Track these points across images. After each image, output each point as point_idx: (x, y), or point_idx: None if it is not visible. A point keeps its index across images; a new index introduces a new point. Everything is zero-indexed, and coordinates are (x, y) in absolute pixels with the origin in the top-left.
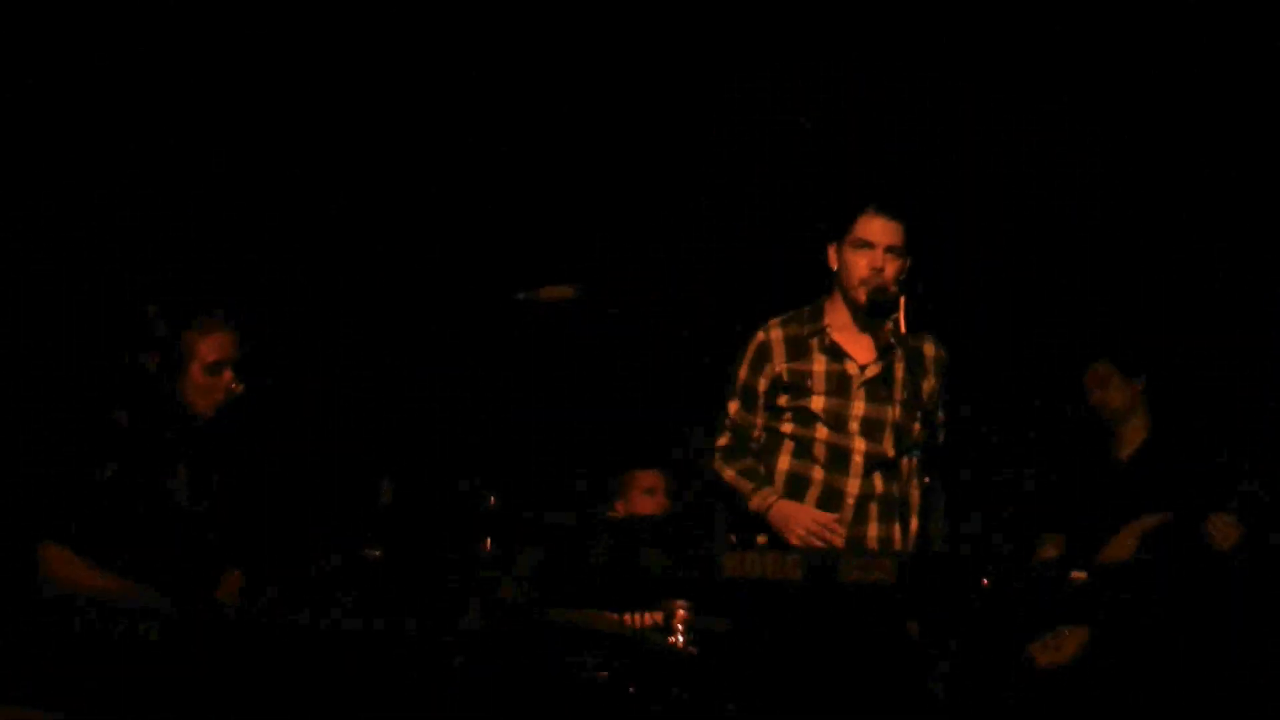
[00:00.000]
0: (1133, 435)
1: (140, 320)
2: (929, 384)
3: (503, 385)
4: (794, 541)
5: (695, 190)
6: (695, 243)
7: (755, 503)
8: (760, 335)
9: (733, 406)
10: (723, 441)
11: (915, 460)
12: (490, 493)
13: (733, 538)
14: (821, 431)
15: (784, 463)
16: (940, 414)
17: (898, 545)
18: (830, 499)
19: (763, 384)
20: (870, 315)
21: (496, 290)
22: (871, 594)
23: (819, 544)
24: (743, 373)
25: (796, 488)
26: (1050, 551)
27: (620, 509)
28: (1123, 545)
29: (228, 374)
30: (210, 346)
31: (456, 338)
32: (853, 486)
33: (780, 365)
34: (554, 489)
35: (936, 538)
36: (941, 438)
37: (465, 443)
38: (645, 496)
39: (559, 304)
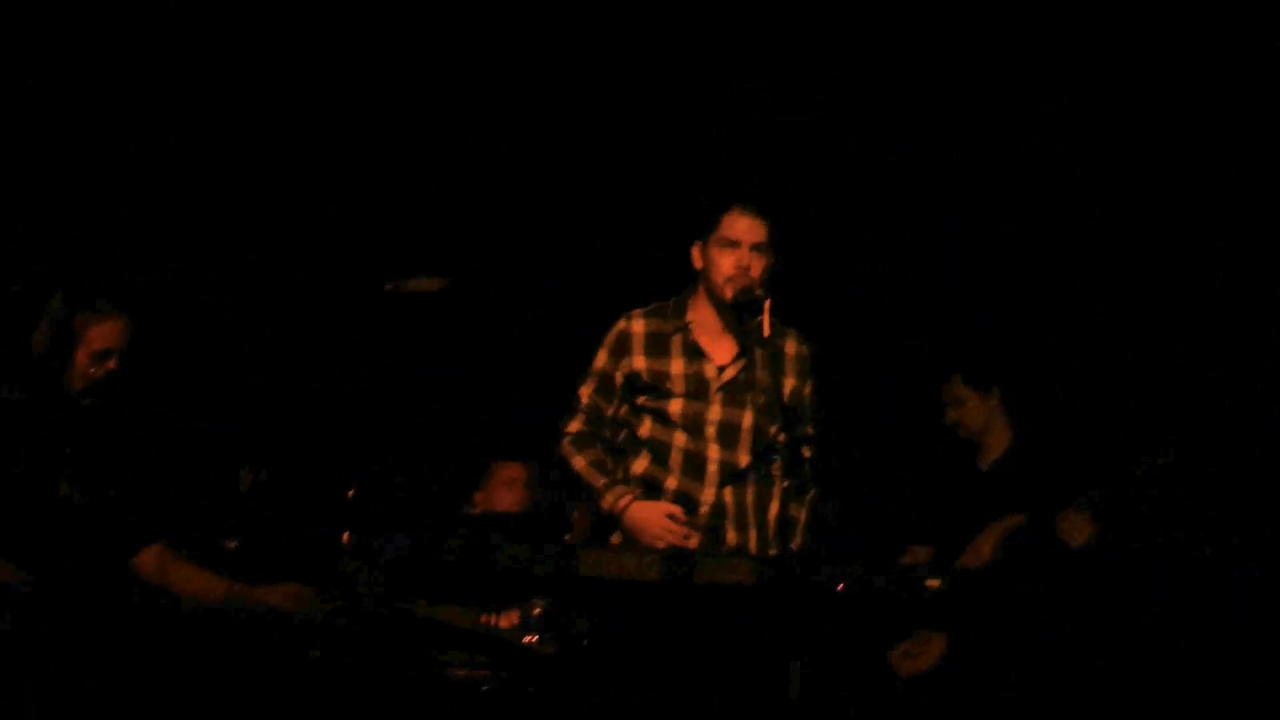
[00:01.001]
0: (995, 444)
1: (39, 301)
2: (790, 383)
3: (369, 375)
4: (649, 544)
5: (565, 186)
6: (564, 237)
7: (608, 501)
8: (622, 324)
9: (585, 391)
10: (574, 427)
11: (775, 464)
12: (351, 484)
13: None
14: (679, 438)
15: (639, 467)
16: (807, 414)
17: (754, 551)
18: (684, 508)
19: (619, 376)
20: (735, 314)
21: (364, 281)
22: (728, 596)
23: (675, 543)
24: (601, 358)
25: (650, 496)
26: (915, 558)
27: (480, 501)
28: (981, 549)
29: (112, 363)
30: (100, 333)
31: (323, 327)
32: (708, 495)
33: (639, 361)
34: (417, 481)
35: (796, 541)
36: (806, 437)
37: (328, 433)
38: (505, 489)
39: (427, 295)
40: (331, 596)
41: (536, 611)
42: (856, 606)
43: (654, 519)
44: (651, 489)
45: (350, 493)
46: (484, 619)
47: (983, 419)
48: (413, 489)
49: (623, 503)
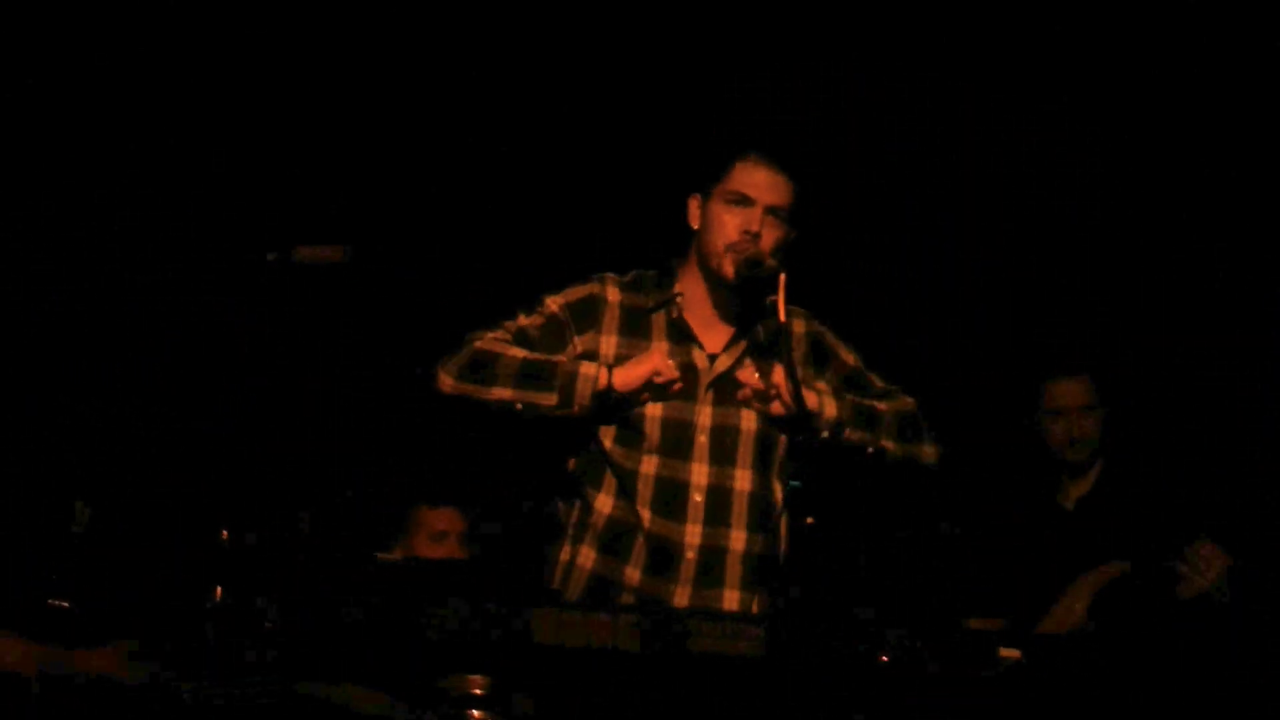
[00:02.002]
0: (1090, 474)
1: None
2: (804, 370)
3: (248, 374)
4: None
5: (512, 119)
6: (514, 193)
7: (581, 390)
8: (594, 286)
9: (520, 322)
10: (490, 333)
11: (787, 491)
12: (223, 525)
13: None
14: (651, 455)
15: (601, 498)
16: (866, 378)
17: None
18: (661, 554)
19: (578, 345)
20: (735, 292)
21: (243, 249)
22: (732, 671)
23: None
24: (555, 302)
25: (613, 537)
26: (982, 622)
27: (398, 554)
28: (1071, 608)
29: None
30: None
31: (187, 308)
32: (690, 534)
33: (609, 340)
34: (314, 522)
35: (820, 599)
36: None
37: (191, 454)
38: (432, 543)
39: (324, 267)
40: (194, 669)
41: (476, 693)
42: (904, 686)
43: (646, 367)
44: (615, 533)
45: (223, 533)
46: (402, 705)
47: (1095, 438)
48: (310, 529)
49: (604, 375)
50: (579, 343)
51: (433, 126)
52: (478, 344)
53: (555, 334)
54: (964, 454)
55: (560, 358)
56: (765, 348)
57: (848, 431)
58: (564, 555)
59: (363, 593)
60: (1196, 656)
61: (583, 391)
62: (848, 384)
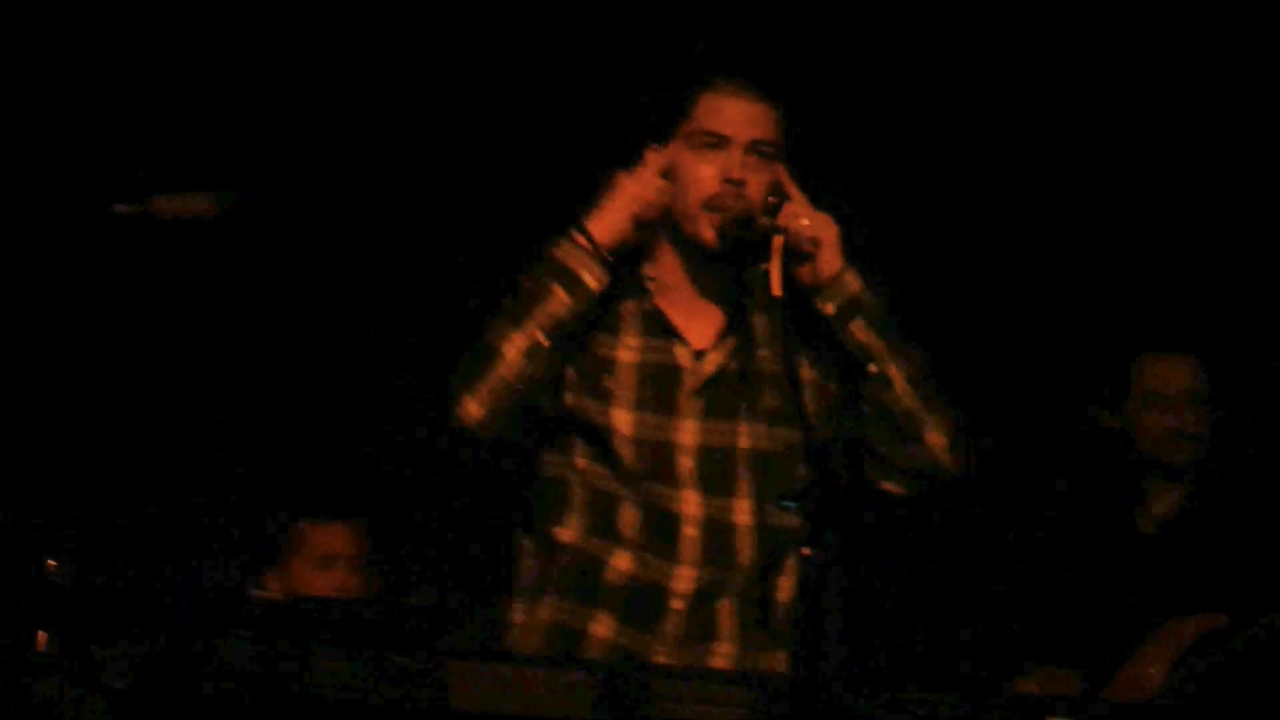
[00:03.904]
0: (1169, 491)
1: None
2: (812, 376)
3: (89, 356)
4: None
5: (410, 33)
6: (423, 130)
7: (578, 262)
8: None
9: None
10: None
11: (794, 519)
12: (52, 552)
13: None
14: (626, 480)
15: (567, 534)
16: (849, 425)
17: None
18: (641, 603)
19: None
20: (720, 261)
21: (88, 200)
22: None
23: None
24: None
25: (581, 580)
26: (1034, 684)
27: (274, 585)
28: (1146, 671)
29: None
30: None
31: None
32: (681, 580)
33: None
34: (165, 544)
35: (828, 652)
36: (843, 475)
37: (15, 454)
38: (317, 569)
39: (192, 222)
40: None
41: None
42: None
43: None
44: (587, 568)
45: (51, 563)
46: None
47: (1201, 438)
48: (163, 556)
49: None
50: None
51: (326, 38)
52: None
53: None
54: (1013, 457)
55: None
56: (767, 338)
57: (858, 322)
58: (515, 612)
59: (228, 641)
60: None
61: (581, 263)
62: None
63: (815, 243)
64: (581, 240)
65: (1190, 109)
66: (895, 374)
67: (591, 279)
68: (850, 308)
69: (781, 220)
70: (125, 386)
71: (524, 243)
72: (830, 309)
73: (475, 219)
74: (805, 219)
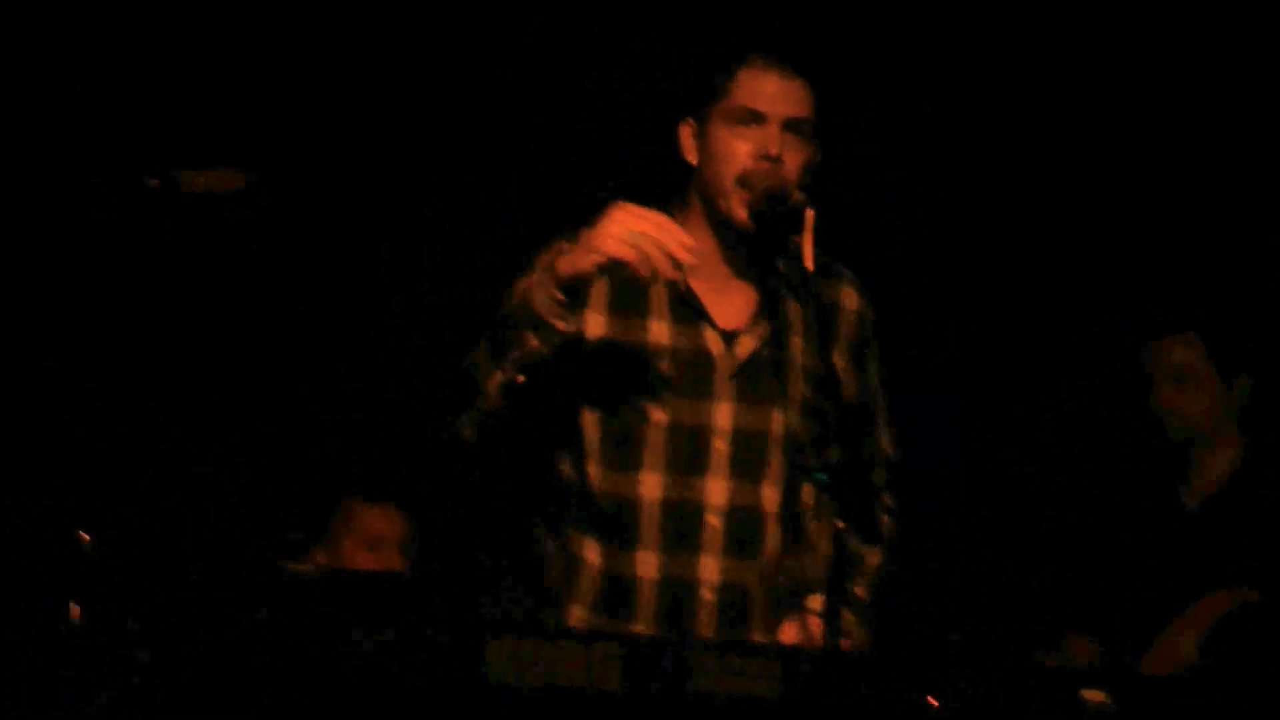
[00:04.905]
0: (1213, 465)
1: None
2: (843, 359)
3: (121, 337)
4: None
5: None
6: (445, 106)
7: (538, 300)
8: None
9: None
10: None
11: (819, 496)
12: (82, 526)
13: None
14: (649, 486)
15: (591, 547)
16: (878, 411)
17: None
18: (672, 601)
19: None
20: (755, 238)
21: (117, 175)
22: (739, 716)
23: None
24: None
25: (609, 591)
26: (1068, 655)
27: (321, 560)
28: (1179, 645)
29: None
30: None
31: (42, 244)
32: (709, 570)
33: (596, 320)
34: (204, 522)
35: (855, 624)
36: (877, 456)
37: (47, 426)
38: (363, 549)
39: (218, 198)
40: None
41: None
42: None
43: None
44: (611, 586)
45: (83, 535)
46: None
47: (1214, 417)
48: (200, 527)
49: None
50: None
51: (355, 16)
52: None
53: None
54: (1058, 432)
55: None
56: (798, 321)
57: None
58: (546, 615)
59: (265, 613)
60: None
61: (540, 301)
62: (851, 404)
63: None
64: (553, 291)
65: (1179, 100)
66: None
67: (563, 325)
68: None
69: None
70: (162, 359)
71: (545, 230)
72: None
73: (501, 201)
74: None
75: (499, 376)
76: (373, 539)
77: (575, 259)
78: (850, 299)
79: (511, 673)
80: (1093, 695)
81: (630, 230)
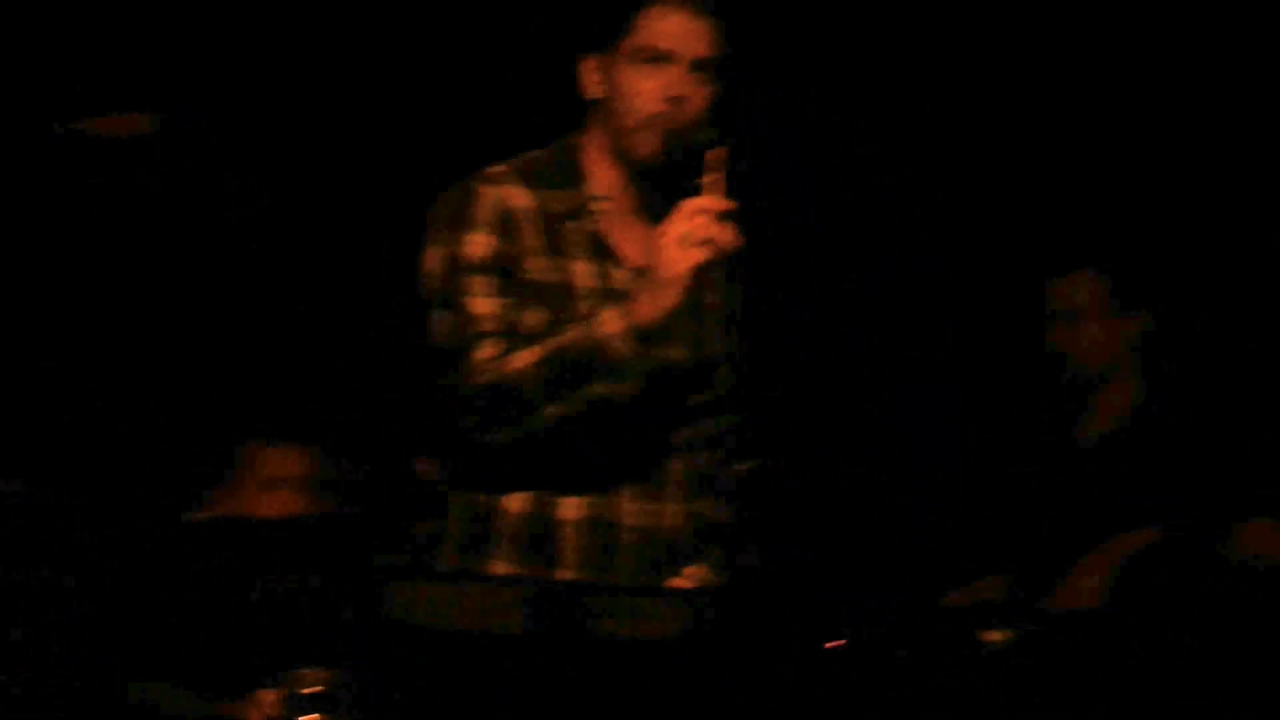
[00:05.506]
0: (1114, 402)
1: None
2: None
3: (31, 276)
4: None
5: None
6: (353, 37)
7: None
8: (490, 191)
9: (479, 302)
10: (485, 353)
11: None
12: None
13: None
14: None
15: (514, 498)
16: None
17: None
18: (592, 543)
19: (528, 270)
20: (661, 179)
21: (21, 121)
22: (642, 657)
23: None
24: (478, 242)
25: (531, 536)
26: (971, 593)
27: (218, 504)
28: (1084, 582)
29: None
30: None
31: None
32: (630, 514)
33: (538, 258)
34: (110, 467)
35: (758, 561)
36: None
37: None
38: (266, 491)
39: (125, 143)
40: None
41: (313, 689)
42: (861, 676)
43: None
44: (533, 534)
45: None
46: (220, 707)
47: (1110, 353)
48: (100, 477)
49: (616, 320)
50: (523, 261)
51: None
52: (478, 379)
53: (514, 277)
54: (957, 367)
55: (569, 335)
56: None
57: None
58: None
59: (165, 562)
60: (1230, 659)
61: (622, 353)
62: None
63: None
64: (615, 325)
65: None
66: None
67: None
68: None
69: None
70: (69, 310)
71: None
72: None
73: (403, 130)
74: None
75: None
76: (268, 480)
77: (659, 301)
78: None
79: (410, 612)
80: (995, 635)
81: (685, 236)
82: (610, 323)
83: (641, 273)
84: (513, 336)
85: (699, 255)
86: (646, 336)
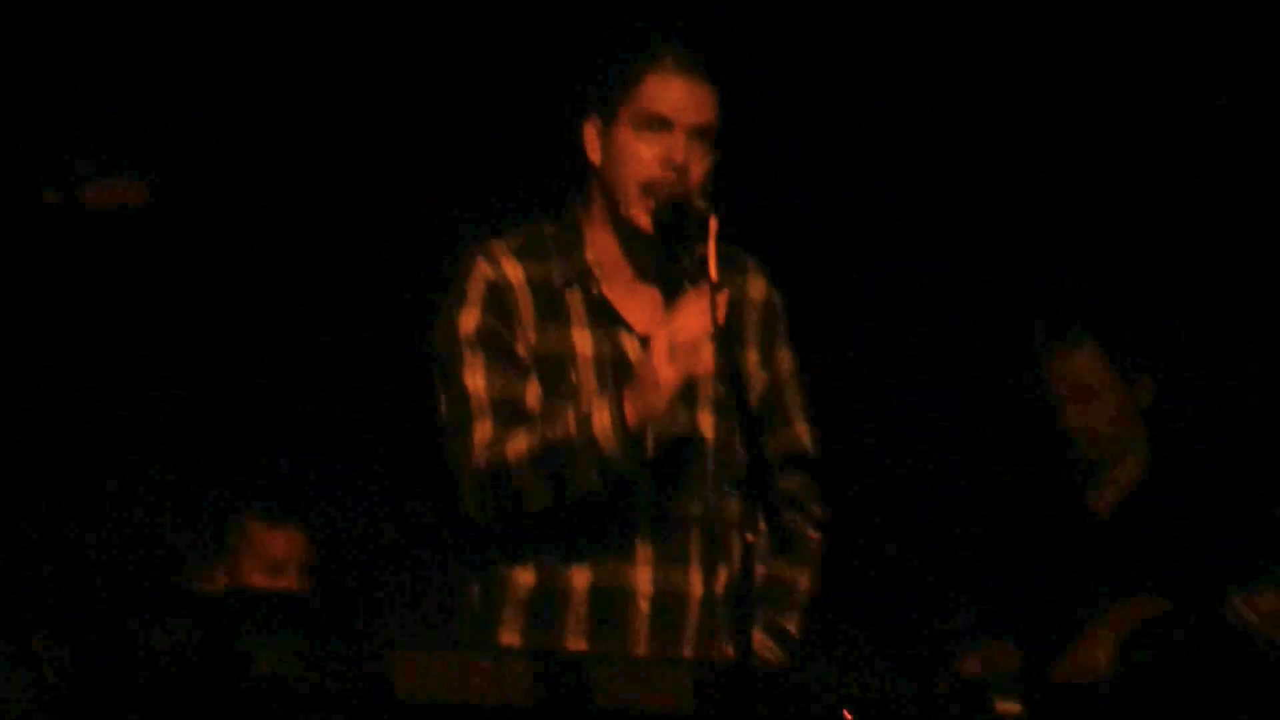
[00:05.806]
0: (1124, 475)
1: None
2: (754, 355)
3: (23, 346)
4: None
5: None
6: (357, 107)
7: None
8: (483, 265)
9: (474, 378)
10: (482, 434)
11: (736, 505)
12: None
13: None
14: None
15: (524, 570)
16: (795, 405)
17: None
18: (603, 613)
19: (521, 347)
20: (660, 245)
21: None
22: None
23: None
24: (470, 318)
25: (543, 605)
26: (979, 665)
27: (221, 581)
28: (1092, 653)
29: None
30: None
31: None
32: (641, 580)
33: (530, 332)
34: (102, 538)
35: (771, 637)
36: (798, 451)
37: None
38: (265, 571)
39: (120, 211)
40: None
41: None
42: None
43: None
44: (545, 599)
45: None
46: None
47: (1120, 426)
48: (104, 543)
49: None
50: (519, 337)
51: (257, 20)
52: (476, 461)
53: (507, 353)
54: (968, 436)
55: (559, 429)
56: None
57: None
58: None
59: (168, 631)
60: None
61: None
62: (765, 399)
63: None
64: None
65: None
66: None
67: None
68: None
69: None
70: (62, 376)
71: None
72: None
73: (404, 195)
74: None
75: (546, 498)
76: (274, 563)
77: (649, 402)
78: (756, 288)
79: (416, 687)
80: (1007, 706)
81: (673, 350)
82: (600, 419)
83: (645, 342)
84: (510, 415)
85: (685, 369)
86: (636, 439)
